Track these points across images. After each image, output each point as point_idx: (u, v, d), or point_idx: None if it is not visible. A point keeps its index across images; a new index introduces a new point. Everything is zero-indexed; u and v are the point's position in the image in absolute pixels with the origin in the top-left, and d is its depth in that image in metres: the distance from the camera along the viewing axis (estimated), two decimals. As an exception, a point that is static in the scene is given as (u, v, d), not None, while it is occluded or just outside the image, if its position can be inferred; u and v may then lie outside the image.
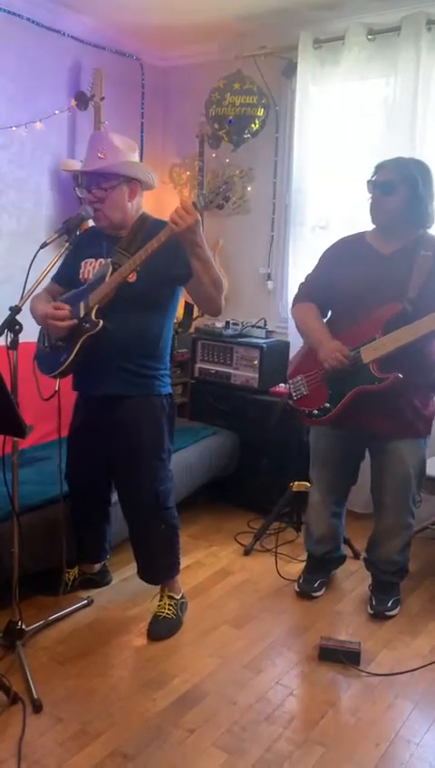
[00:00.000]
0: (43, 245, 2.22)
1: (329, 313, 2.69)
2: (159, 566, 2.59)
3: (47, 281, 2.40)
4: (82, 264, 2.45)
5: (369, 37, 3.29)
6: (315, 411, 2.59)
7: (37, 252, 2.17)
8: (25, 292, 2.15)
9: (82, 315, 2.30)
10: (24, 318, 2.14)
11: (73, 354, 2.32)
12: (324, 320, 2.68)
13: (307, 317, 2.67)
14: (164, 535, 2.54)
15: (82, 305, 2.31)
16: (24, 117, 3.39)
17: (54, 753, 1.92)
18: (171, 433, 2.53)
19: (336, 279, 2.59)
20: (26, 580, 2.40)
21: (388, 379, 2.41)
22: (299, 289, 2.76)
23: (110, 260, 2.32)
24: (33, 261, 2.13)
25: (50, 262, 2.23)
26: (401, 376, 2.40)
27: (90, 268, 2.42)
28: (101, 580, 2.83)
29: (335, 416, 2.53)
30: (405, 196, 2.43)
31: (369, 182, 2.52)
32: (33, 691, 2.10)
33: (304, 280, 2.77)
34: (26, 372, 2.34)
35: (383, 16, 3.26)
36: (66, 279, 2.51)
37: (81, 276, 2.44)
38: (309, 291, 2.71)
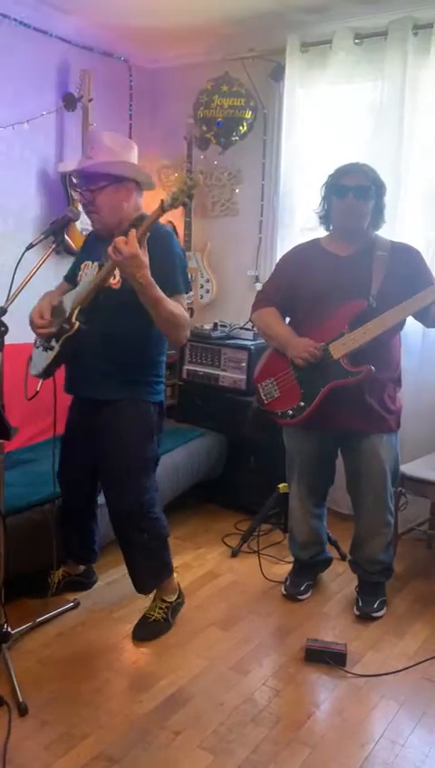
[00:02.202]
0: (30, 247, 2.21)
1: (287, 319, 2.71)
2: (141, 574, 2.54)
3: (34, 282, 2.39)
4: (82, 266, 2.45)
5: (356, 41, 3.31)
6: (290, 411, 2.60)
7: (23, 253, 2.16)
8: (11, 293, 2.15)
9: (66, 317, 2.30)
10: (11, 319, 2.13)
11: (53, 355, 2.32)
12: None
13: (270, 320, 2.69)
14: (148, 544, 2.48)
15: (68, 307, 2.32)
16: (11, 118, 3.38)
17: (39, 756, 1.91)
18: (156, 441, 2.50)
19: (297, 284, 2.62)
20: (12, 583, 2.39)
21: (361, 372, 2.46)
22: (258, 296, 2.79)
23: (97, 263, 2.32)
24: (19, 262, 2.13)
25: (36, 263, 2.23)
26: (373, 369, 2.46)
27: (87, 270, 2.41)
28: (86, 581, 2.81)
29: (310, 413, 2.55)
30: (374, 202, 2.54)
31: (340, 186, 2.52)
32: (19, 694, 2.09)
33: (261, 287, 2.79)
34: (13, 374, 2.33)
35: (370, 21, 3.27)
36: (72, 278, 2.53)
37: (78, 278, 2.44)
38: (269, 296, 2.73)
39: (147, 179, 2.40)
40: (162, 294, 2.18)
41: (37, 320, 2.34)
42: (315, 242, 2.71)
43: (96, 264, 2.33)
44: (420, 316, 2.55)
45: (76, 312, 2.27)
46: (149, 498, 2.47)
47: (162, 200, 2.08)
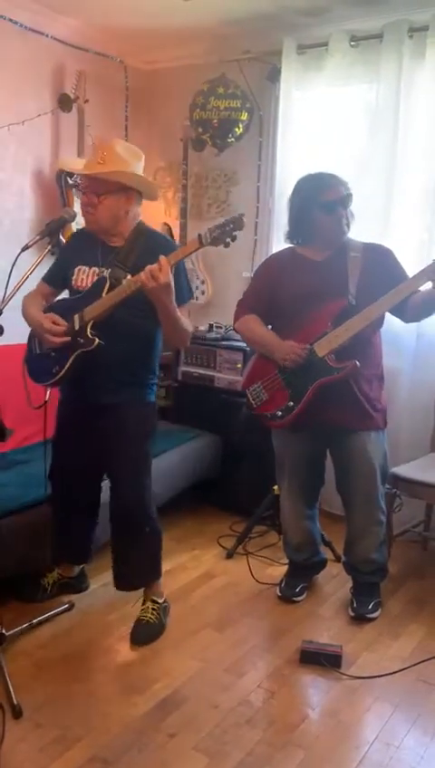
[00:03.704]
0: (25, 248, 2.21)
1: (269, 327, 2.72)
2: (139, 569, 2.56)
3: (29, 284, 2.39)
4: (76, 270, 2.41)
5: (352, 43, 3.32)
6: (279, 412, 2.61)
7: (19, 254, 2.16)
8: (7, 294, 2.14)
9: (76, 329, 2.27)
10: (5, 321, 2.12)
11: (66, 369, 2.31)
12: None
13: (254, 326, 2.72)
14: (147, 541, 2.52)
15: (76, 318, 2.28)
16: (6, 118, 3.38)
17: (34, 759, 1.90)
18: (153, 441, 2.53)
19: (277, 291, 2.65)
20: (6, 584, 2.38)
21: (346, 367, 2.49)
22: (239, 305, 2.80)
23: (107, 273, 2.29)
24: (14, 263, 2.12)
25: (32, 264, 2.22)
26: (358, 363, 2.48)
27: (83, 276, 2.38)
28: (79, 585, 2.80)
29: (299, 412, 2.56)
30: None
31: (326, 203, 2.52)
32: (13, 696, 2.08)
33: (241, 297, 2.82)
34: (6, 375, 2.33)
35: (366, 23, 3.28)
36: (58, 281, 2.49)
37: (74, 283, 2.40)
38: (250, 305, 2.76)
39: (152, 192, 2.40)
40: (179, 313, 2.25)
41: (54, 327, 2.30)
42: (290, 250, 2.73)
43: (105, 275, 2.28)
44: (398, 311, 2.57)
45: (90, 325, 2.25)
46: (151, 495, 2.52)
47: (200, 235, 2.07)
